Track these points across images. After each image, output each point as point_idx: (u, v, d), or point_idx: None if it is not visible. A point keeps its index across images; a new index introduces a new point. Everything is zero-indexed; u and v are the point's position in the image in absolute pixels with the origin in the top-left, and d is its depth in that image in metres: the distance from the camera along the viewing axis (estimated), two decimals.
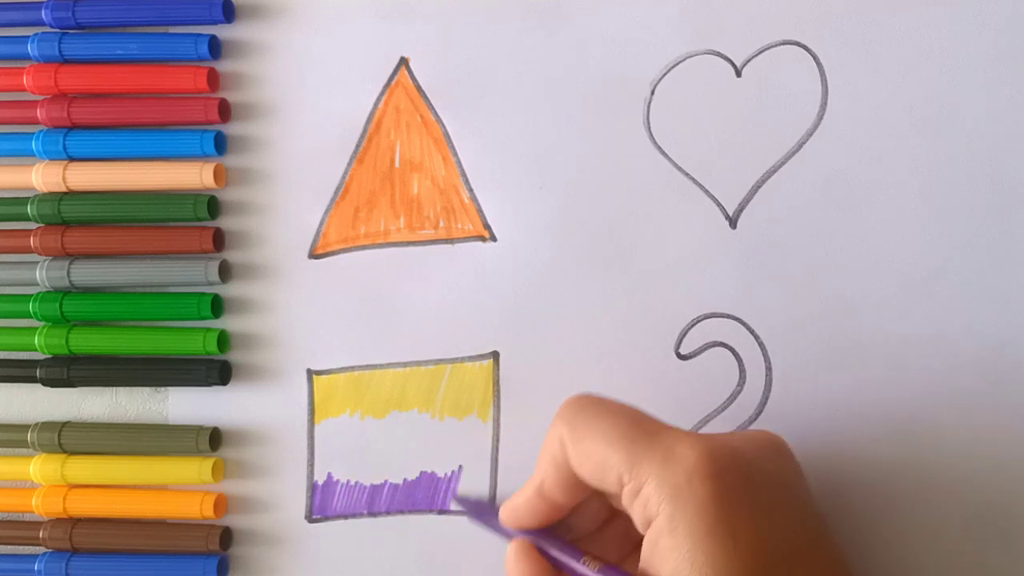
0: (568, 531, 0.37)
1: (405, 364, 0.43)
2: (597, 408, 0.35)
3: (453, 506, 0.42)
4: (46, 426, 0.43)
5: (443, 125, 0.43)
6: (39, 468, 0.43)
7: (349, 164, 0.43)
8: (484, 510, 0.40)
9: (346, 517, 0.43)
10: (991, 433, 0.41)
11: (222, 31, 0.43)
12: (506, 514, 0.37)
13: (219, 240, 0.43)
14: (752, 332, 0.42)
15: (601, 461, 0.33)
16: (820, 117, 0.41)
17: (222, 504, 0.43)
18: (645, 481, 0.32)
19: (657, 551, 0.32)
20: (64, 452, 0.43)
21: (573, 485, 0.35)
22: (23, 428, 0.44)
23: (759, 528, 0.32)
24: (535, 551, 0.36)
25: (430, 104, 0.43)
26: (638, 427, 0.33)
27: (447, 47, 0.43)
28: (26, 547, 0.44)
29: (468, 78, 0.43)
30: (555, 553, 0.36)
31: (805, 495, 0.35)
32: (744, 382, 0.42)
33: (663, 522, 0.32)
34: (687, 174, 0.42)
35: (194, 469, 0.43)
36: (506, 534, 0.38)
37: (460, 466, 0.43)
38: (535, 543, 0.36)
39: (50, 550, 0.43)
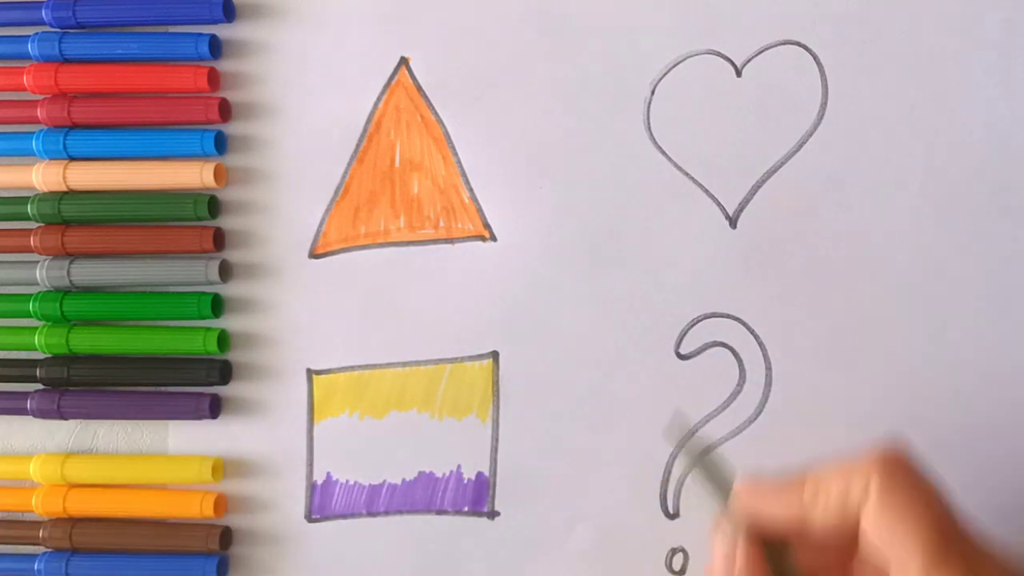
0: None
1: (405, 364, 0.43)
2: (918, 482, 0.32)
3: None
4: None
5: (443, 125, 0.43)
6: (39, 467, 0.43)
7: (349, 164, 0.43)
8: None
9: (345, 517, 0.43)
10: (991, 432, 0.41)
11: (222, 31, 0.43)
12: (749, 503, 0.35)
13: (219, 240, 0.43)
14: (752, 332, 0.42)
15: (901, 544, 0.31)
16: (820, 117, 0.41)
17: (222, 504, 0.43)
18: None
19: None
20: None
21: (843, 526, 0.33)
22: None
23: None
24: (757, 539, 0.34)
25: (430, 104, 0.43)
26: (945, 536, 0.31)
27: (447, 47, 0.43)
28: (26, 547, 0.44)
29: (468, 78, 0.42)
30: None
31: None
32: (744, 382, 0.42)
33: None
34: (687, 174, 0.42)
35: (194, 469, 0.43)
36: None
37: (459, 466, 0.43)
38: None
39: (50, 550, 0.43)
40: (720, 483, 0.36)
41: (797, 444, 0.42)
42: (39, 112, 0.43)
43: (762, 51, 0.41)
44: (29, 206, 0.43)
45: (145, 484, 0.43)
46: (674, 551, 0.42)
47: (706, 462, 0.38)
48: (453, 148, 0.43)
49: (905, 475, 0.32)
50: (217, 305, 0.43)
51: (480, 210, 0.43)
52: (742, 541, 0.34)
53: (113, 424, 0.44)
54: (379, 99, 0.43)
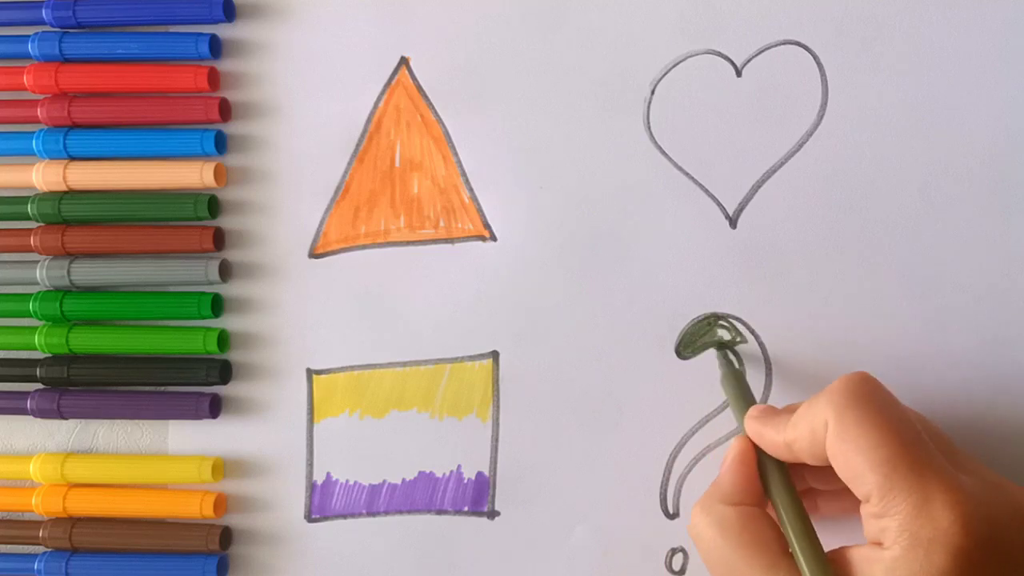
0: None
1: (405, 364, 0.43)
2: (870, 409, 0.33)
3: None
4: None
5: (443, 125, 0.43)
6: (39, 467, 0.43)
7: (349, 164, 0.43)
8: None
9: (345, 517, 0.43)
10: (991, 433, 0.41)
11: (223, 30, 0.43)
12: (750, 428, 0.37)
13: (219, 239, 0.43)
14: (752, 332, 0.42)
15: (856, 471, 0.32)
16: (820, 117, 0.41)
17: (222, 504, 0.43)
18: (890, 514, 0.31)
19: (871, 572, 0.31)
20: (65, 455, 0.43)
21: (823, 459, 0.34)
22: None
23: None
24: (754, 465, 0.36)
25: (430, 104, 0.43)
26: (904, 452, 0.31)
27: (447, 47, 0.43)
28: (26, 547, 0.44)
29: (468, 78, 0.43)
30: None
31: None
32: None
33: (888, 558, 0.31)
34: (687, 174, 0.42)
35: (194, 469, 0.43)
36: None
37: (459, 466, 0.43)
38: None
39: (50, 549, 0.43)
40: (741, 399, 0.39)
41: None
42: (39, 112, 0.43)
43: (762, 51, 0.41)
44: (29, 206, 0.43)
45: (145, 484, 0.43)
46: (674, 551, 0.42)
47: (736, 374, 0.40)
48: (453, 148, 0.43)
49: (857, 405, 0.33)
50: (217, 305, 0.43)
51: (480, 210, 0.43)
52: (738, 442, 0.37)
53: (113, 424, 0.44)
54: (379, 99, 0.43)
